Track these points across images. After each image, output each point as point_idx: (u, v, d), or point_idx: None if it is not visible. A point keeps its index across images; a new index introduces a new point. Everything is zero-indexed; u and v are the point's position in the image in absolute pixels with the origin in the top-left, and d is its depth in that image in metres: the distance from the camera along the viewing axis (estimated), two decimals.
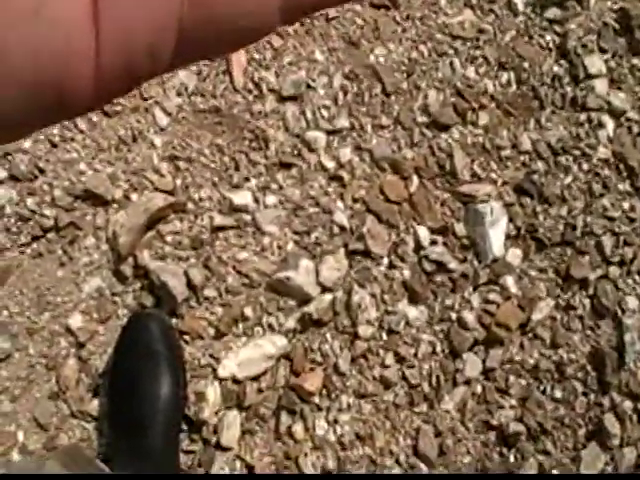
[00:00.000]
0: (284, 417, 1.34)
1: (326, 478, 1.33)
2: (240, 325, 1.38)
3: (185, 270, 1.38)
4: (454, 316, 1.42)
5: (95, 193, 1.43)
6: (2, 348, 1.33)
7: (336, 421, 1.35)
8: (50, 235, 1.41)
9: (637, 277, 1.45)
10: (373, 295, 1.42)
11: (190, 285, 1.38)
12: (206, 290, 1.38)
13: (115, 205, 1.43)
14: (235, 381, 1.34)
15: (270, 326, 1.38)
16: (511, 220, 1.48)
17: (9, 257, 1.39)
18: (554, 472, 1.36)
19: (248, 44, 0.24)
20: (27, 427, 1.30)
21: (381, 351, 1.39)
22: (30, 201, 1.42)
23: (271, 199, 1.45)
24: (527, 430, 1.36)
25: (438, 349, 1.40)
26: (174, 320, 1.36)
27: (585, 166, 1.53)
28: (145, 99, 1.51)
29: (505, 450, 1.37)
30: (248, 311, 1.38)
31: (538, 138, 1.55)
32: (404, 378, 1.38)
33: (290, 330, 1.38)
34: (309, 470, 1.33)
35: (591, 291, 1.44)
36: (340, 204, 1.47)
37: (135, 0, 0.20)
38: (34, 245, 1.40)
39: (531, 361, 1.41)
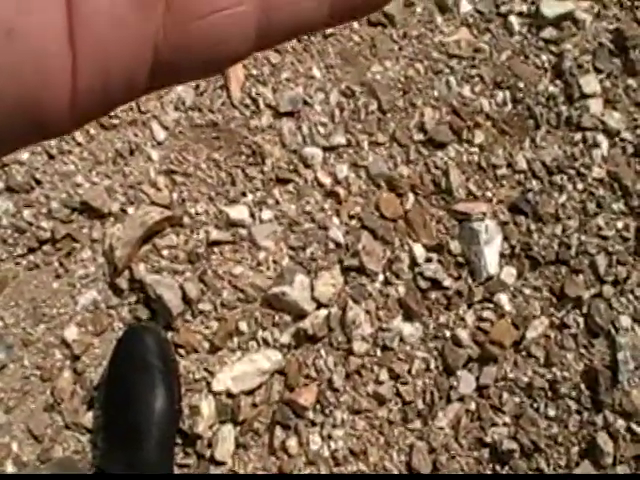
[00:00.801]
0: (278, 432, 1.35)
1: (326, 478, 1.34)
2: (235, 339, 1.39)
3: (181, 284, 1.39)
4: (448, 333, 1.43)
5: (92, 206, 1.44)
6: None
7: (330, 436, 1.36)
8: (46, 247, 1.42)
9: (630, 296, 1.46)
10: (368, 311, 1.43)
11: (185, 299, 1.39)
12: (201, 304, 1.39)
13: (112, 218, 1.44)
14: (229, 395, 1.35)
15: (265, 341, 1.39)
16: (506, 238, 1.50)
17: (5, 268, 1.39)
18: None
19: (225, 68, 0.24)
20: (21, 438, 1.30)
21: (375, 367, 1.40)
22: (26, 213, 1.43)
23: (267, 214, 1.47)
24: (520, 448, 1.37)
25: (432, 366, 1.41)
26: (169, 333, 1.37)
27: (580, 185, 1.55)
28: (143, 112, 1.53)
29: (498, 467, 1.38)
30: (243, 325, 1.39)
31: (533, 157, 1.57)
32: (398, 394, 1.39)
33: (285, 345, 1.39)
34: None
35: (585, 310, 1.46)
36: (336, 220, 1.48)
37: (111, 24, 0.20)
38: (30, 257, 1.41)
39: (525, 379, 1.42)
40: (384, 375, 1.40)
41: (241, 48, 0.23)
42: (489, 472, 1.38)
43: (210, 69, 0.24)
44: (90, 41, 0.20)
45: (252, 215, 1.46)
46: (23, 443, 1.30)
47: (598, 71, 1.66)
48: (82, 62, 0.20)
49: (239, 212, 1.45)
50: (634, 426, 1.38)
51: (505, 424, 1.39)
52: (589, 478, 1.36)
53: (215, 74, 0.24)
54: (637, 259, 1.49)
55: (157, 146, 1.53)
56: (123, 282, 1.40)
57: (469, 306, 1.45)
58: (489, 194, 1.53)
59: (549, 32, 1.70)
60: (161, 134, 1.52)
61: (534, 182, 1.55)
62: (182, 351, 1.37)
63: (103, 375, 1.34)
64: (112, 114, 1.51)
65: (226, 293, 1.41)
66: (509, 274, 1.47)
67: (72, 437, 1.31)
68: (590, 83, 1.63)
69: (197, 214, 1.46)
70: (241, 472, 1.32)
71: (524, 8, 1.73)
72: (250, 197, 1.47)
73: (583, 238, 1.50)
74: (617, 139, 1.59)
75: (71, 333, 1.36)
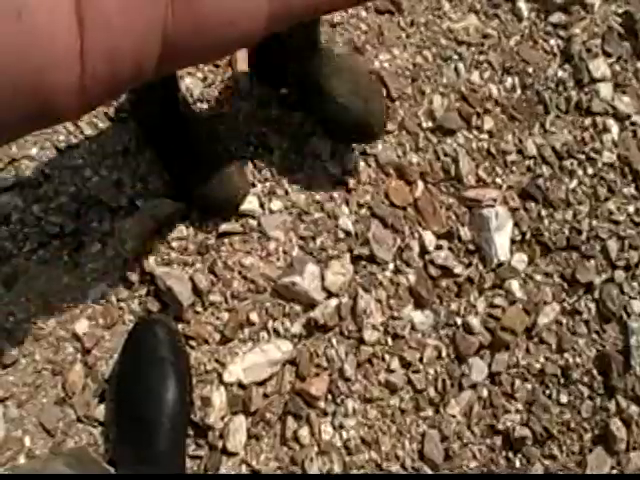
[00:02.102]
0: (290, 422, 1.35)
1: (325, 478, 1.34)
2: (246, 330, 1.39)
3: (191, 275, 1.39)
4: (459, 321, 1.43)
5: (101, 199, 1.45)
6: (9, 354, 1.34)
7: (342, 426, 1.36)
8: (56, 242, 1.42)
9: None
10: (379, 300, 1.43)
11: (196, 290, 1.39)
12: (212, 295, 1.39)
13: (121, 211, 1.44)
14: (241, 386, 1.35)
15: (276, 331, 1.39)
16: (516, 225, 1.49)
17: (15, 264, 1.40)
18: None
19: (233, 52, 0.23)
20: (34, 432, 1.31)
21: (387, 356, 1.40)
22: (36, 208, 1.43)
23: (277, 204, 1.46)
24: (533, 434, 1.37)
25: (444, 354, 1.41)
26: (180, 325, 1.37)
27: (590, 170, 1.54)
28: None
29: (511, 454, 1.38)
30: (254, 316, 1.39)
31: (543, 143, 1.56)
32: (410, 383, 1.39)
33: (296, 335, 1.39)
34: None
35: (597, 295, 1.45)
36: (345, 209, 1.48)
37: (119, 6, 0.20)
38: (40, 252, 1.41)
39: (537, 365, 1.41)
40: (395, 363, 1.40)
41: (251, 29, 0.22)
42: (502, 460, 1.38)
43: (219, 51, 0.23)
44: (98, 24, 0.20)
45: (262, 205, 1.46)
46: (35, 437, 1.31)
47: (607, 55, 1.65)
48: (90, 45, 0.20)
49: (248, 202, 1.45)
50: None
51: (517, 411, 1.39)
52: (589, 478, 1.36)
53: (223, 57, 0.24)
54: None
55: None
56: (133, 275, 1.40)
57: (480, 293, 1.44)
58: (499, 180, 1.53)
59: (558, 16, 1.69)
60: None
61: (544, 168, 1.54)
62: (193, 342, 1.37)
63: (114, 368, 1.34)
64: (120, 107, 1.51)
65: (236, 284, 1.41)
66: (520, 260, 1.47)
67: (84, 430, 1.32)
68: (599, 67, 1.62)
69: None
70: (253, 463, 1.33)
71: None
72: (259, 187, 1.47)
73: (594, 223, 1.49)
74: (627, 123, 1.58)
75: (82, 326, 1.37)
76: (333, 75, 1.40)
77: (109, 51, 0.20)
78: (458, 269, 1.45)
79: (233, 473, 1.32)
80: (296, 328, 1.40)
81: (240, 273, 1.41)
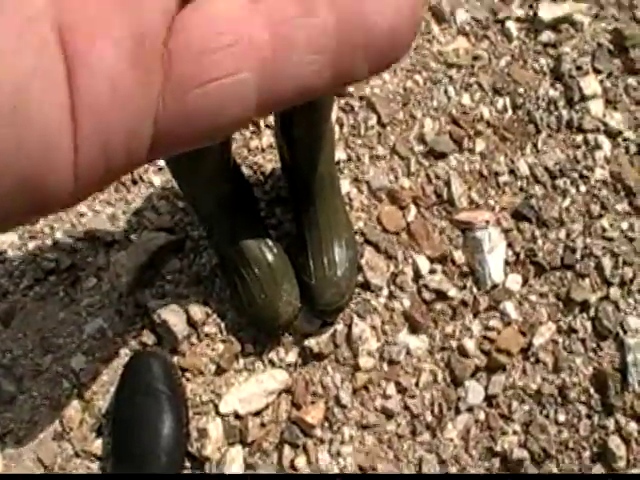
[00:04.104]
0: (287, 451, 1.37)
1: (325, 477, 1.35)
2: (241, 361, 1.41)
3: (185, 307, 1.42)
4: (455, 344, 1.44)
5: (96, 234, 1.48)
6: (7, 391, 1.37)
7: (339, 453, 1.37)
8: (52, 278, 1.45)
9: (638, 296, 1.47)
10: (373, 326, 1.45)
11: (191, 322, 1.41)
12: (207, 327, 1.42)
13: (116, 245, 1.47)
14: (237, 417, 1.37)
15: (271, 361, 1.42)
16: (510, 245, 1.51)
17: (12, 300, 1.43)
18: None
19: (224, 137, 0.25)
20: (32, 468, 1.34)
21: (382, 382, 1.42)
22: (31, 244, 1.47)
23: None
24: (531, 455, 1.38)
25: (439, 377, 1.43)
26: (175, 357, 1.39)
27: (583, 188, 1.55)
28: None
29: (510, 477, 1.39)
30: (249, 347, 1.42)
31: (535, 162, 1.58)
32: (406, 408, 1.41)
33: (291, 364, 1.41)
34: None
35: (592, 313, 1.46)
36: None
37: (111, 98, 0.21)
38: (36, 288, 1.45)
39: (534, 386, 1.42)
40: (391, 389, 1.41)
41: (242, 116, 0.23)
42: None
43: (211, 137, 0.24)
44: (91, 116, 0.21)
45: None
46: (33, 472, 1.34)
47: (597, 72, 1.67)
48: (83, 137, 0.21)
49: None
50: None
51: (515, 432, 1.40)
52: (590, 478, 1.37)
53: (216, 142, 0.24)
54: None
55: (158, 172, 1.57)
56: (128, 308, 1.43)
57: (475, 315, 1.46)
58: (492, 202, 1.55)
59: (547, 35, 1.71)
60: (161, 160, 1.55)
61: (537, 187, 1.56)
62: (188, 374, 1.40)
63: (111, 402, 1.37)
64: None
65: (230, 315, 1.43)
66: (514, 281, 1.48)
67: (82, 465, 1.34)
68: (590, 84, 1.64)
69: (200, 238, 1.49)
70: None
71: (521, 13, 1.75)
72: None
73: (588, 241, 1.51)
74: (619, 139, 1.60)
75: (78, 362, 1.40)
76: (322, 239, 1.42)
77: (102, 141, 0.21)
78: (452, 292, 1.47)
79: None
80: (291, 357, 1.42)
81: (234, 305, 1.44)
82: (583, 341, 1.45)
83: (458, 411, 1.41)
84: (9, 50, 0.20)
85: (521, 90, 1.66)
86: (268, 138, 1.59)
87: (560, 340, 1.45)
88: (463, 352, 1.43)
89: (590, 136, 1.60)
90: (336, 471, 1.36)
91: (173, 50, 0.22)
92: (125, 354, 1.41)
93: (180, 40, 0.22)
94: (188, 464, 1.35)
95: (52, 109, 0.20)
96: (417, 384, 1.42)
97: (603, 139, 1.60)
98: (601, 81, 1.66)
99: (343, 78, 0.24)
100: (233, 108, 0.23)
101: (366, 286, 1.47)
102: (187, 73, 0.22)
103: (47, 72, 0.20)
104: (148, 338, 1.41)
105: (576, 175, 1.57)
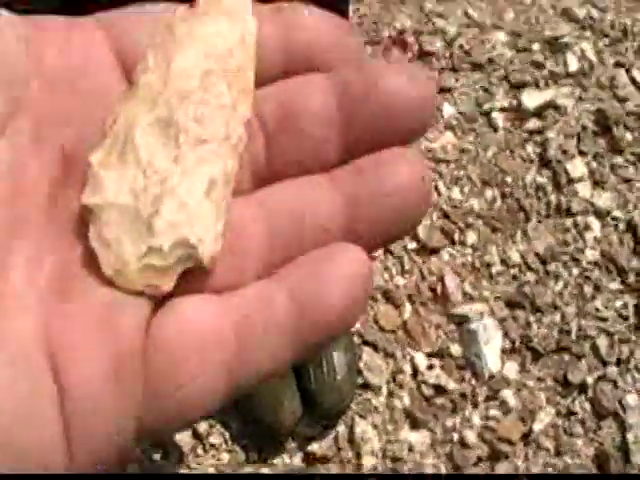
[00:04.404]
0: None
1: (326, 477, 1.50)
2: (246, 469, 1.59)
3: None
4: (456, 436, 1.61)
5: None
6: None
7: None
8: None
9: (636, 373, 1.62)
10: (375, 425, 1.62)
11: (195, 434, 1.60)
12: (211, 437, 1.60)
13: None
14: None
15: (275, 467, 1.59)
16: (505, 334, 1.68)
17: None
18: None
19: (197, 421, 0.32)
20: None
21: None
22: None
23: None
24: None
25: (443, 470, 1.59)
26: (182, 470, 1.58)
27: (575, 270, 1.73)
28: None
29: None
30: (253, 455, 1.60)
31: (526, 249, 1.76)
32: None
33: (295, 469, 1.59)
34: None
35: (590, 394, 1.62)
36: None
37: (97, 415, 0.26)
38: None
39: (537, 471, 1.58)
40: None
41: (213, 401, 0.28)
42: None
43: (187, 426, 0.29)
44: (81, 429, 0.25)
45: None
46: None
47: (583, 154, 1.86)
48: (75, 447, 0.26)
49: None
50: None
51: None
52: (590, 478, 1.49)
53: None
54: (638, 335, 1.65)
55: None
56: None
57: (474, 406, 1.63)
58: (485, 293, 1.73)
59: (533, 123, 1.91)
60: None
61: (529, 274, 1.74)
62: None
63: None
64: None
65: (234, 425, 1.62)
66: (511, 369, 1.65)
67: None
68: (577, 167, 1.83)
69: None
70: None
71: (506, 103, 1.96)
72: None
73: (582, 322, 1.68)
74: (608, 218, 1.78)
75: None
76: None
77: (91, 449, 0.26)
78: (451, 386, 1.64)
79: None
80: (295, 462, 1.59)
81: (236, 415, 1.62)
82: (583, 422, 1.60)
83: None
84: (8, 378, 0.25)
85: (509, 179, 1.85)
86: None
87: (560, 423, 1.61)
88: (465, 444, 1.60)
89: (579, 218, 1.78)
90: None
91: (150, 357, 0.27)
92: (133, 470, 1.59)
93: (156, 346, 0.27)
94: None
95: (47, 425, 0.25)
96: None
97: (592, 220, 1.78)
98: (587, 163, 1.85)
99: (304, 352, 0.28)
100: (205, 398, 0.27)
101: (366, 386, 1.65)
102: (164, 377, 0.27)
103: (40, 394, 0.25)
104: (155, 453, 1.59)
105: (567, 258, 1.74)
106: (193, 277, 0.28)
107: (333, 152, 0.30)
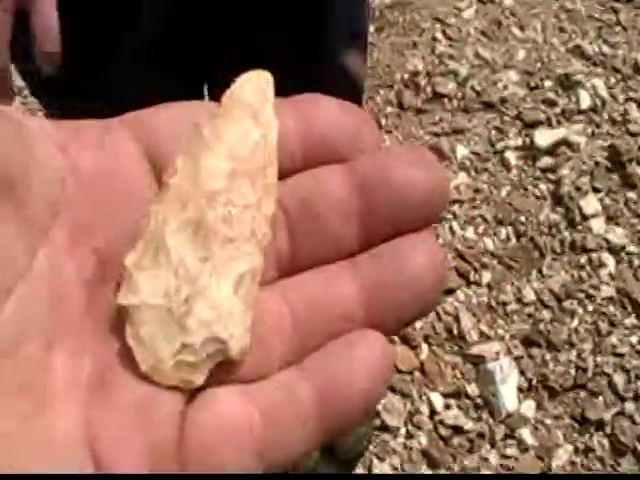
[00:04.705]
0: None
1: (326, 478, 1.51)
2: None
3: None
4: None
5: None
6: None
7: None
8: None
9: None
10: (393, 467, 1.64)
11: None
12: None
13: None
14: None
15: None
16: (522, 372, 1.69)
17: None
18: None
19: None
20: None
21: None
22: None
23: None
24: None
25: None
26: None
27: (590, 307, 1.74)
28: None
29: None
30: None
31: (541, 287, 1.78)
32: None
33: None
34: None
35: (608, 430, 1.62)
36: None
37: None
38: None
39: None
40: None
41: None
42: None
43: None
44: None
45: None
46: None
47: (597, 190, 1.87)
48: None
49: None
50: None
51: None
52: (591, 478, 1.49)
53: None
54: None
55: None
56: None
57: (492, 446, 1.64)
58: (501, 332, 1.74)
59: (545, 161, 1.94)
60: None
61: (544, 312, 1.75)
62: None
63: None
64: None
65: None
66: (528, 407, 1.66)
67: None
68: (590, 203, 1.85)
69: None
70: None
71: (519, 142, 1.98)
72: None
73: (598, 359, 1.68)
74: (623, 254, 1.79)
75: None
76: None
77: None
78: (468, 425, 1.66)
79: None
80: None
81: None
82: (601, 459, 1.61)
83: None
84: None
85: (523, 218, 1.87)
86: None
87: (578, 460, 1.61)
88: None
89: (594, 255, 1.80)
90: None
91: (185, 447, 0.29)
92: None
93: (191, 437, 0.29)
94: None
95: None
96: None
97: (607, 256, 1.79)
98: (600, 199, 1.86)
99: (329, 436, 0.30)
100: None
101: (384, 428, 1.67)
102: (198, 466, 0.29)
103: None
104: None
105: (582, 295, 1.76)
106: (224, 368, 0.30)
107: (353, 240, 0.31)
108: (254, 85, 0.33)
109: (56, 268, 0.29)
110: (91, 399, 0.28)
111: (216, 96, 0.33)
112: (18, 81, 2.17)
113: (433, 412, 1.68)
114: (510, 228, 1.87)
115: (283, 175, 0.32)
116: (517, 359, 1.71)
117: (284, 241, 0.32)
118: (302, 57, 1.10)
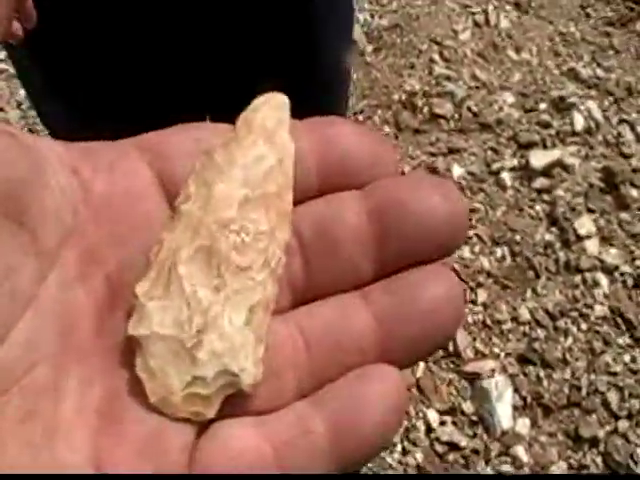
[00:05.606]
0: None
1: (328, 478, 1.54)
2: None
3: None
4: None
5: None
6: None
7: None
8: None
9: None
10: None
11: None
12: None
13: None
14: None
15: None
16: (516, 390, 1.73)
17: None
18: None
19: None
20: None
21: None
22: None
23: None
24: None
25: None
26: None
27: (584, 326, 1.78)
28: None
29: None
30: None
31: (536, 306, 1.81)
32: None
33: None
34: None
35: (602, 448, 1.66)
36: None
37: None
38: None
39: None
40: None
41: None
42: None
43: None
44: None
45: None
46: None
47: (591, 211, 1.91)
48: None
49: None
50: None
51: None
52: (591, 478, 1.52)
53: None
54: None
55: None
56: None
57: (487, 462, 1.67)
58: (496, 350, 1.78)
59: (540, 182, 1.98)
60: None
61: (539, 330, 1.79)
62: None
63: None
64: None
65: None
66: (523, 425, 1.70)
67: None
68: (584, 224, 1.89)
69: None
70: None
71: (515, 162, 2.02)
72: None
73: (592, 377, 1.72)
74: (617, 274, 1.83)
75: None
76: None
77: None
78: (464, 442, 1.69)
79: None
80: None
81: None
82: (595, 477, 1.64)
83: None
84: None
85: (518, 238, 1.91)
86: None
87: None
88: None
89: (588, 275, 1.83)
90: None
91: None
92: None
93: (200, 471, 0.28)
94: None
95: None
96: None
97: (601, 276, 1.83)
98: (595, 220, 1.90)
99: (343, 470, 0.29)
100: None
101: None
102: None
103: None
104: None
105: (576, 314, 1.79)
106: (235, 400, 0.29)
107: (368, 269, 0.31)
108: (269, 108, 0.32)
109: (66, 294, 0.29)
110: (100, 428, 0.28)
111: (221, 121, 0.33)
112: (19, 93, 2.21)
113: (429, 429, 1.71)
114: (506, 248, 1.91)
115: (299, 199, 0.32)
116: (512, 377, 1.74)
117: (299, 267, 0.31)
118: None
